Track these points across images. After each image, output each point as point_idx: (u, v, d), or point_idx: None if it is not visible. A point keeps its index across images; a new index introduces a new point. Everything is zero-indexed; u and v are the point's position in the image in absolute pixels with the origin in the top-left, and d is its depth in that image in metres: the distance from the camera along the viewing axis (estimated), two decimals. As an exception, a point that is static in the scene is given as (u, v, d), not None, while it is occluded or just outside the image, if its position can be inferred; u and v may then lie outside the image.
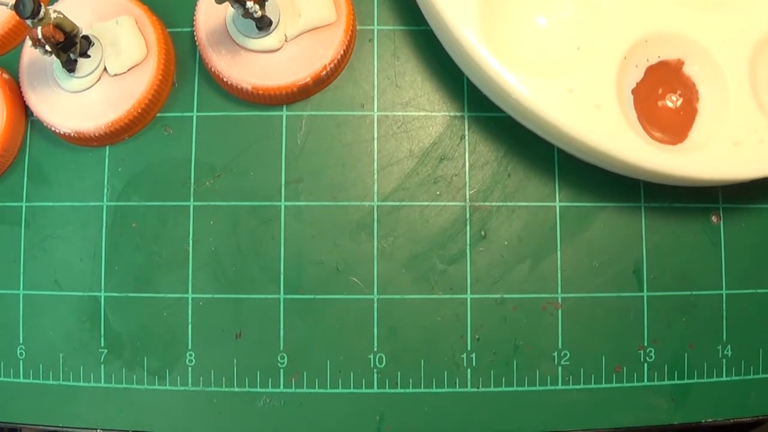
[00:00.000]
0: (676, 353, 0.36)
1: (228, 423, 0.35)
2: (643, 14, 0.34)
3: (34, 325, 0.35)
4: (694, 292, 0.36)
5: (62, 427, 0.35)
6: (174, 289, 0.35)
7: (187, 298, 0.35)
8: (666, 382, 0.36)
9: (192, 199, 0.36)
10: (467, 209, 0.36)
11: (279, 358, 0.35)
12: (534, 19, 0.35)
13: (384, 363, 0.35)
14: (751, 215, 0.37)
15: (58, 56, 0.33)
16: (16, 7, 0.30)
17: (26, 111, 0.37)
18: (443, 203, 0.36)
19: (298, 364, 0.35)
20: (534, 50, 0.35)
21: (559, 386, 0.35)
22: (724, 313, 0.36)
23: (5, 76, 0.36)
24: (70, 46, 0.34)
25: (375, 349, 0.35)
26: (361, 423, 0.35)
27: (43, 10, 0.30)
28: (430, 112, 0.37)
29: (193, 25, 0.36)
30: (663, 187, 0.36)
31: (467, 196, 0.36)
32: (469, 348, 0.35)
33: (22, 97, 0.36)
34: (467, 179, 0.36)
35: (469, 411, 0.35)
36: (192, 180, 0.36)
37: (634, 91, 0.34)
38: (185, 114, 0.37)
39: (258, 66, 0.35)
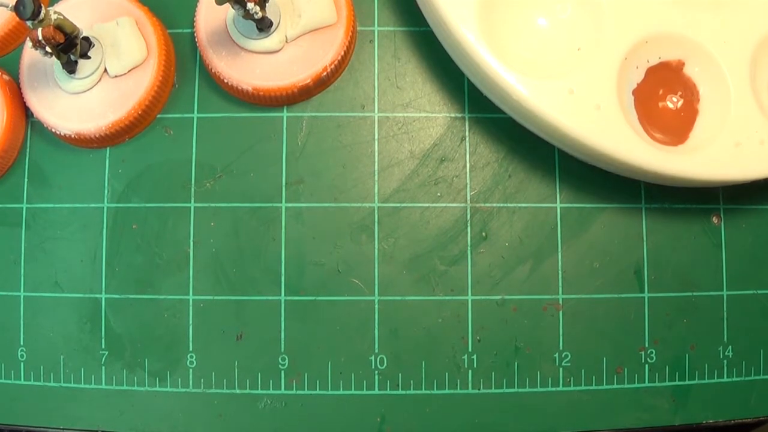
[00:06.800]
0: (677, 354, 0.36)
1: (229, 425, 0.35)
2: (643, 15, 0.34)
3: (34, 326, 0.35)
4: (695, 293, 0.36)
5: (63, 428, 0.35)
6: (175, 290, 0.35)
7: (188, 299, 0.35)
8: (667, 383, 0.36)
9: (193, 201, 0.36)
10: (468, 210, 0.36)
11: (280, 360, 0.35)
12: (534, 20, 0.35)
13: (385, 364, 0.35)
14: (751, 216, 0.37)
15: (58, 57, 0.33)
16: (17, 9, 0.30)
17: (27, 112, 0.37)
18: (444, 204, 0.36)
19: (299, 366, 0.35)
20: (534, 51, 0.35)
21: (560, 387, 0.35)
22: (725, 314, 0.36)
23: (5, 77, 0.36)
24: (70, 48, 0.34)
25: (376, 351, 0.35)
26: (362, 424, 0.35)
27: (43, 11, 0.30)
28: (430, 113, 0.37)
29: (193, 27, 0.36)
30: (663, 188, 0.36)
31: (468, 198, 0.36)
32: (470, 349, 0.35)
33: (23, 98, 0.36)
34: (468, 180, 0.36)
35: (470, 412, 0.35)
36: (192, 181, 0.36)
37: (634, 92, 0.34)
38: (186, 115, 0.37)
39: (258, 67, 0.35)
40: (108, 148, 0.37)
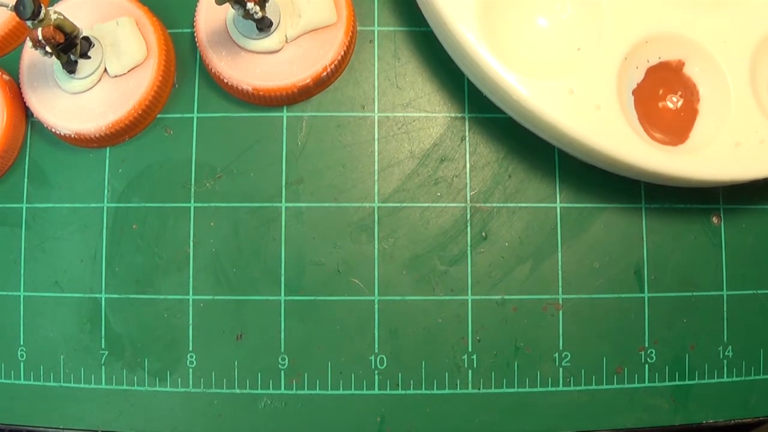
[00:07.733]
0: (677, 354, 0.36)
1: (229, 425, 0.35)
2: (643, 15, 0.34)
3: (34, 326, 0.35)
4: (694, 293, 0.36)
5: (63, 428, 0.35)
6: (175, 290, 0.35)
7: (188, 299, 0.35)
8: (667, 383, 0.36)
9: (192, 201, 0.36)
10: (468, 210, 0.36)
11: (280, 360, 0.35)
12: (534, 20, 0.35)
13: (385, 364, 0.35)
14: (751, 216, 0.37)
15: (58, 57, 0.33)
16: (17, 9, 0.30)
17: (27, 112, 0.37)
18: (444, 204, 0.36)
19: (298, 366, 0.35)
20: (534, 51, 0.35)
21: (560, 387, 0.35)
22: (725, 314, 0.36)
23: (6, 77, 0.36)
24: (70, 48, 0.34)
25: (376, 351, 0.35)
26: (362, 424, 0.35)
27: (43, 11, 0.30)
28: (430, 113, 0.37)
29: (193, 26, 0.36)
30: (664, 188, 0.36)
31: (468, 197, 0.36)
32: (470, 349, 0.35)
33: (23, 98, 0.36)
34: (468, 180, 0.36)
35: (470, 412, 0.35)
36: (192, 181, 0.36)
37: (634, 92, 0.34)
38: (186, 115, 0.37)
39: (258, 67, 0.35)
40: (108, 148, 0.37)
